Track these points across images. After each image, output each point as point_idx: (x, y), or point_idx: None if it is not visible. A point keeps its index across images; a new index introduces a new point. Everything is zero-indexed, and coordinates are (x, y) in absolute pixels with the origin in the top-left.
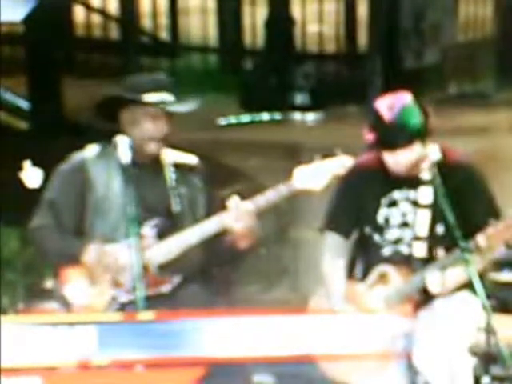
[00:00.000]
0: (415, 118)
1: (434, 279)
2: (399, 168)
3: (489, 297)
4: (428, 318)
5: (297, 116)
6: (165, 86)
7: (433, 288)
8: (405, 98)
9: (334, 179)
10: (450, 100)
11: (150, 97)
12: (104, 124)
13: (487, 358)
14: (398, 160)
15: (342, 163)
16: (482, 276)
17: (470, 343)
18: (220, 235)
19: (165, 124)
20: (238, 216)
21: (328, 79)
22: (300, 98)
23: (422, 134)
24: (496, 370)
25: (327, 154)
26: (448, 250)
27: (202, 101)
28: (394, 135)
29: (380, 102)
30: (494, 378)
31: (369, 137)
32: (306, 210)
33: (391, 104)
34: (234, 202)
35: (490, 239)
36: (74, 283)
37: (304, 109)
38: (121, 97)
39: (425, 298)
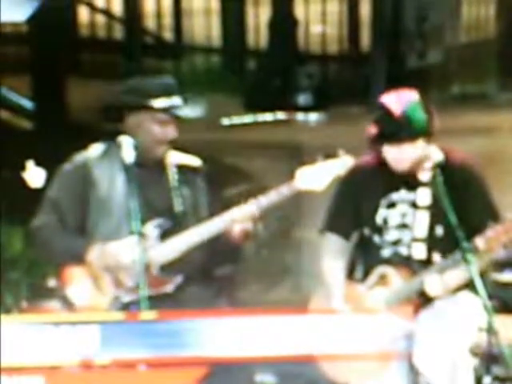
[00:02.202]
0: (421, 115)
1: (432, 282)
2: (401, 165)
3: (490, 297)
4: (429, 318)
5: (300, 116)
6: (173, 90)
7: (432, 291)
8: (412, 95)
9: (336, 180)
10: (453, 101)
11: (159, 102)
12: (109, 125)
13: (488, 359)
14: (401, 155)
15: (344, 163)
16: (483, 276)
17: (471, 344)
18: (222, 236)
19: (173, 128)
20: (240, 217)
21: (331, 80)
22: (303, 99)
23: (426, 132)
24: (497, 370)
25: (329, 154)
26: (445, 252)
27: (205, 101)
28: (399, 128)
29: (387, 97)
30: (495, 379)
31: (373, 130)
32: (308, 210)
33: (399, 99)
34: (236, 203)
35: (488, 242)
36: (76, 283)
37: (307, 109)
38: (128, 102)
39: (425, 298)
